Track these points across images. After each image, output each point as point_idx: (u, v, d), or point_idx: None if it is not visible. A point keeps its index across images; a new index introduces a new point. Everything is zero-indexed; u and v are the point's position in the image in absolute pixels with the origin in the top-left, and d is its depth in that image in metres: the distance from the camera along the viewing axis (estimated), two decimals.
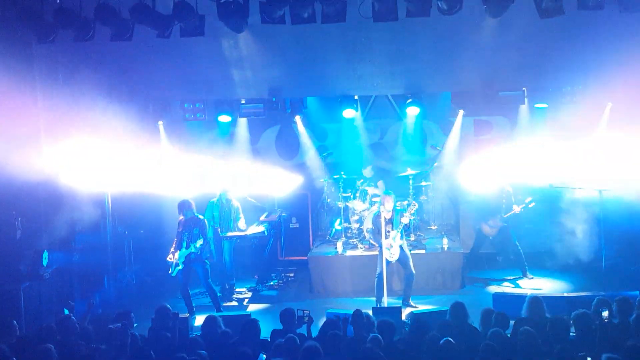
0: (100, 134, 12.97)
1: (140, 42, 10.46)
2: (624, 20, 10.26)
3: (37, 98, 11.31)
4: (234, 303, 13.45)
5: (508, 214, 13.69)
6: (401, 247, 12.17)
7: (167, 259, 12.40)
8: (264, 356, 8.37)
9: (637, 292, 11.16)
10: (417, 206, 13.21)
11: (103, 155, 12.88)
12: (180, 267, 12.21)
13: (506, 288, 13.36)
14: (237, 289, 14.10)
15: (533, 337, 7.74)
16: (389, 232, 12.07)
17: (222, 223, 13.64)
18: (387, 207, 12.12)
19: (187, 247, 12.17)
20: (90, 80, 12.16)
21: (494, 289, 13.22)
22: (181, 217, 12.41)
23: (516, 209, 13.67)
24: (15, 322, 9.34)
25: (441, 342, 7.67)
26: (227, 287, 13.82)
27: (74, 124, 11.90)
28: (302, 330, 9.36)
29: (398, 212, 12.21)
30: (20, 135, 10.87)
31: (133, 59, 11.85)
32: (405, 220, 12.14)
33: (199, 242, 12.15)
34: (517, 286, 13.44)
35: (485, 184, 14.24)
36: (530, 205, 13.65)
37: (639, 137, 13.06)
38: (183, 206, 12.34)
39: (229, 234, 13.54)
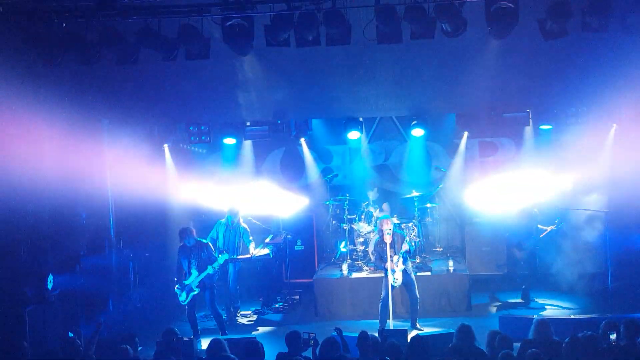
0: (105, 156, 13.03)
1: (146, 65, 10.53)
2: (627, 42, 10.29)
3: (42, 121, 11.36)
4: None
5: (544, 233, 13.50)
6: (405, 271, 12.10)
7: (176, 289, 12.31)
8: None
9: None
10: (415, 230, 13.10)
11: (108, 177, 12.92)
12: (195, 292, 12.15)
13: (512, 310, 13.26)
14: (242, 312, 14.04)
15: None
16: (391, 256, 12.01)
17: (226, 245, 13.60)
18: (386, 230, 12.06)
19: (200, 272, 12.13)
20: (96, 103, 12.21)
21: (500, 310, 13.15)
22: (181, 244, 12.35)
23: (548, 228, 13.42)
24: (25, 343, 9.33)
25: None
26: (232, 310, 13.77)
27: (79, 146, 11.94)
28: (308, 353, 9.29)
29: (399, 235, 12.14)
30: (24, 158, 10.91)
31: (139, 82, 11.91)
32: (405, 247, 12.04)
33: (223, 257, 12.25)
34: (523, 308, 13.34)
35: (495, 206, 14.17)
36: (560, 226, 13.51)
37: None
38: (184, 233, 12.27)
39: (238, 257, 13.48)
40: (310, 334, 9.94)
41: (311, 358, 8.98)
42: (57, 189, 11.61)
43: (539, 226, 13.56)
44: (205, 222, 14.73)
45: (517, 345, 8.71)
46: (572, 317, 11.82)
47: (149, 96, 12.50)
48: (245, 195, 14.77)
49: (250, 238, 13.66)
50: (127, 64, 10.17)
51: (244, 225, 13.72)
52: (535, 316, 11.66)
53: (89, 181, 12.33)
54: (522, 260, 13.66)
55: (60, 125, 11.57)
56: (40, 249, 11.61)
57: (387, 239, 11.97)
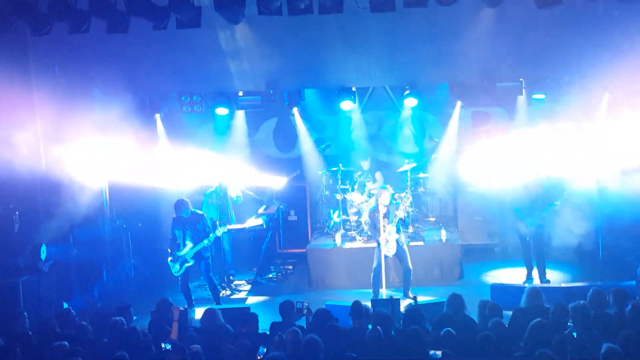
0: (97, 126, 12.96)
1: (137, 34, 10.43)
2: (622, 9, 10.24)
3: (33, 90, 11.29)
4: (227, 292, 13.52)
5: (553, 207, 12.99)
6: (398, 241, 12.14)
7: (169, 260, 12.32)
8: (265, 349, 8.36)
9: (634, 282, 11.20)
10: (410, 199, 13.00)
11: (100, 147, 12.87)
12: (190, 263, 12.18)
13: (504, 279, 13.32)
14: (236, 282, 14.10)
15: (544, 327, 7.72)
16: (385, 226, 12.04)
17: (221, 215, 13.62)
18: (384, 202, 12.07)
19: (195, 244, 12.14)
20: (86, 73, 12.14)
21: (492, 280, 13.22)
22: (175, 215, 12.34)
23: (557, 202, 13.11)
24: (25, 313, 9.36)
25: (442, 332, 7.69)
26: (225, 279, 13.82)
27: (71, 116, 11.88)
28: (302, 322, 9.36)
29: (394, 205, 12.17)
30: (16, 127, 10.86)
31: (129, 51, 11.81)
32: (400, 214, 12.09)
33: (221, 230, 12.41)
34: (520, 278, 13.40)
35: (487, 177, 14.08)
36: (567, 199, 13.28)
37: (637, 126, 13.03)
38: (180, 206, 12.25)
39: (228, 226, 13.48)
40: (304, 304, 10.04)
41: (304, 327, 9.04)
42: (50, 159, 11.57)
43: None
44: (198, 191, 14.72)
45: (508, 313, 8.78)
46: (563, 285, 11.90)
47: (140, 66, 12.42)
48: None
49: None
50: (118, 33, 10.07)
51: (230, 194, 13.78)
52: (526, 284, 11.79)
53: (81, 151, 12.28)
54: (528, 235, 13.21)
55: (51, 95, 11.50)
56: (33, 220, 11.60)
57: (382, 210, 12.02)
